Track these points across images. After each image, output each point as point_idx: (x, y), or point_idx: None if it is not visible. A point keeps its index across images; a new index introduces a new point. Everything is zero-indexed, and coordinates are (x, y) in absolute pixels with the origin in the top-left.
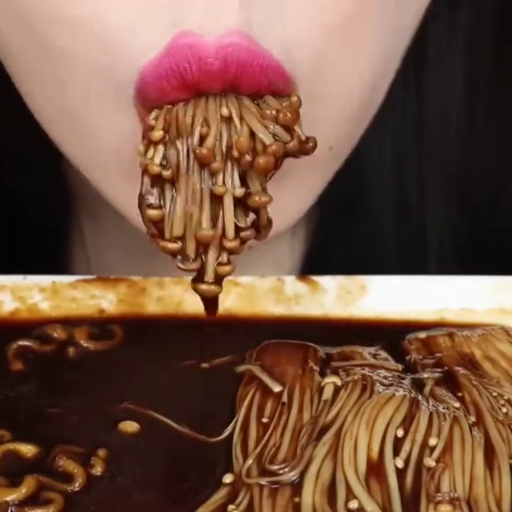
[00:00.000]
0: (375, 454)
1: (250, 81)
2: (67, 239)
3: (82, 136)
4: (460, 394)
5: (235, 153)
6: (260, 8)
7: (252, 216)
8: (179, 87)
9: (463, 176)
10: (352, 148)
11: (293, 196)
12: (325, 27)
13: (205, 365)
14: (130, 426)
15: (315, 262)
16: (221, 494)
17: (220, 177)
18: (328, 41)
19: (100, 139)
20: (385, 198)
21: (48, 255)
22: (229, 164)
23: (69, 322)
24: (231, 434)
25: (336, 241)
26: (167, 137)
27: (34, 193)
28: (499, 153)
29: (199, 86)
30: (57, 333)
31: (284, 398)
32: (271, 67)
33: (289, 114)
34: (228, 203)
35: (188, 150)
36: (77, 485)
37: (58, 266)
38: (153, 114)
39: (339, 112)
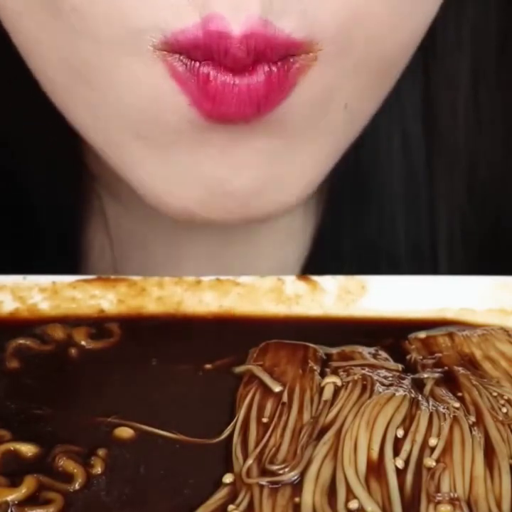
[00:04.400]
0: (375, 454)
1: (265, 59)
2: (87, 222)
3: (94, 92)
4: (460, 394)
5: None
6: None
7: None
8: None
9: (471, 164)
10: (367, 117)
11: (308, 161)
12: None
13: (207, 365)
14: (129, 426)
15: (327, 239)
16: (221, 494)
17: None
18: (355, 12)
19: (114, 92)
20: (395, 179)
21: (68, 238)
22: None
23: (69, 322)
24: (231, 434)
25: (346, 218)
26: None
27: (50, 178)
28: (506, 141)
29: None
30: (57, 333)
31: (284, 398)
32: (284, 45)
33: None
34: None
35: None
36: (77, 485)
37: (78, 251)
38: None
39: (359, 73)
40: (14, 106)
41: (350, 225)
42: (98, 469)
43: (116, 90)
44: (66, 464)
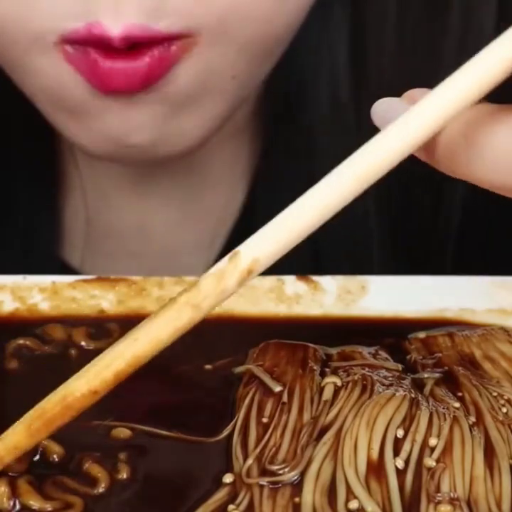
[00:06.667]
0: (375, 454)
1: (144, 46)
2: (63, 183)
3: (20, 75)
4: (460, 394)
5: None
6: None
7: None
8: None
9: (396, 86)
10: (259, 78)
11: (196, 120)
12: None
13: (207, 365)
14: (128, 427)
15: (263, 163)
16: (221, 494)
17: None
18: (231, 4)
19: (28, 79)
20: (322, 105)
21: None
22: None
23: (69, 322)
24: (231, 434)
25: (280, 144)
26: None
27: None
28: (428, 70)
29: None
30: (57, 333)
31: (284, 398)
32: (161, 38)
33: None
34: None
35: None
36: (100, 489)
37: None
38: None
39: (243, 53)
40: None
41: (283, 151)
42: (97, 469)
43: (29, 78)
44: (91, 467)
